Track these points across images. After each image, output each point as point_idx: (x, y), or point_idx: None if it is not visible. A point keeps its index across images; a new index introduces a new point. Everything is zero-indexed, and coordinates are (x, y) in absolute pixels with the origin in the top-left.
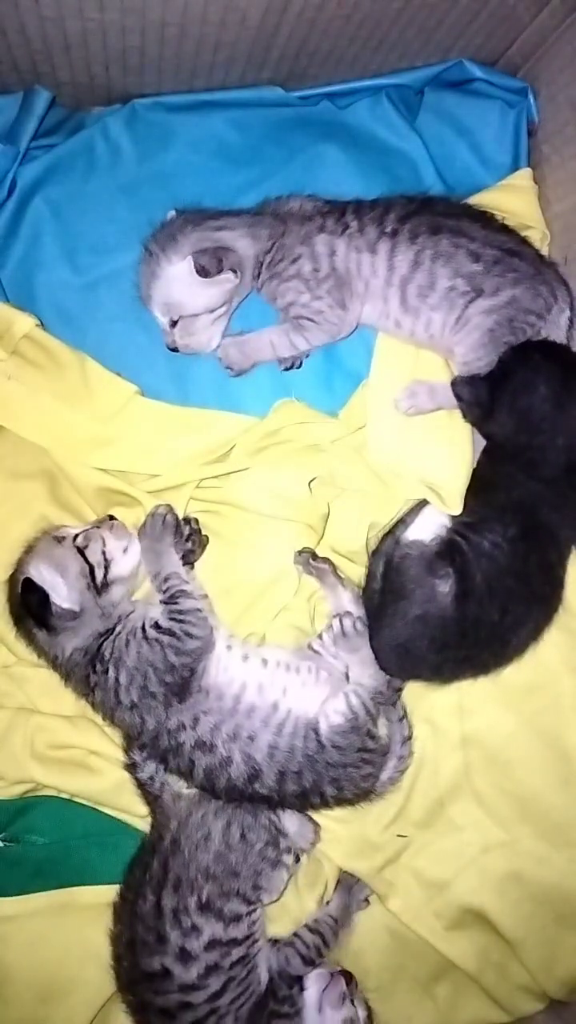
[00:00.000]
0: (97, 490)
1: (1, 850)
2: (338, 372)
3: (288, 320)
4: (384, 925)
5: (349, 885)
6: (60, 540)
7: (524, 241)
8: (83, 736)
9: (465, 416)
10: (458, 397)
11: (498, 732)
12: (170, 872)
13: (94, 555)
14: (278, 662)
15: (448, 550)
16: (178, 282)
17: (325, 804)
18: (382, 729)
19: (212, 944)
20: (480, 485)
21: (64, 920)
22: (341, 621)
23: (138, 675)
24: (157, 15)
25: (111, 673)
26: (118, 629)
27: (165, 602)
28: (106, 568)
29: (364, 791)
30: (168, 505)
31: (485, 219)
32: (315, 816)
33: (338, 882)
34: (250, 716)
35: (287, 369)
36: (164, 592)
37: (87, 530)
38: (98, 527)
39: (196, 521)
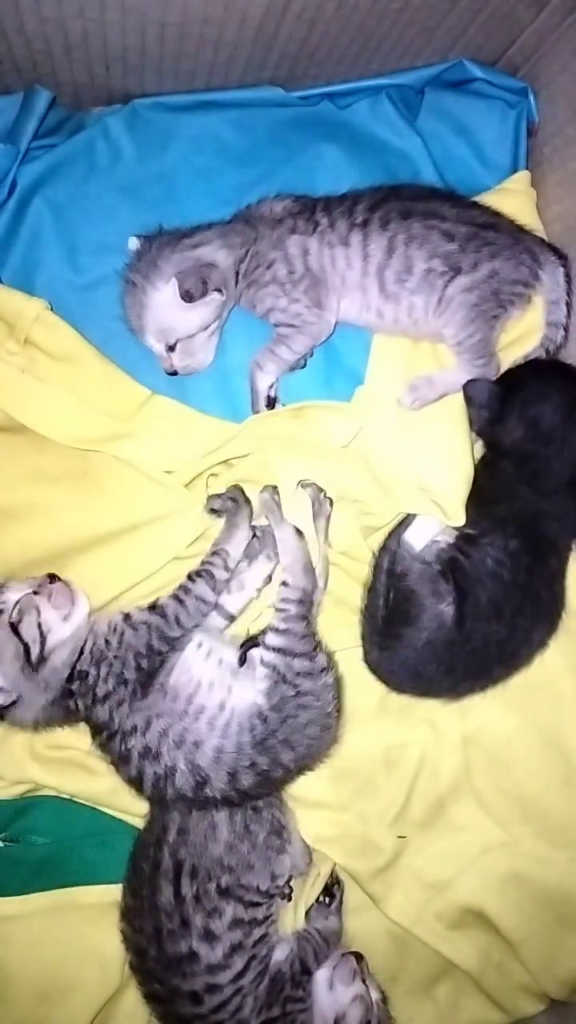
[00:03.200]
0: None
1: (1, 850)
2: (338, 372)
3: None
4: (384, 928)
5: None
6: None
7: (497, 214)
8: (82, 738)
9: (471, 420)
10: (468, 399)
11: (498, 732)
12: (184, 861)
13: (28, 631)
14: (228, 664)
15: (451, 569)
16: (168, 307)
17: (288, 773)
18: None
19: (235, 923)
20: (479, 496)
21: (64, 920)
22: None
23: (117, 663)
24: (157, 15)
25: (93, 672)
26: (88, 645)
27: (194, 570)
28: (42, 642)
29: (318, 741)
30: (237, 486)
31: (455, 198)
32: (317, 813)
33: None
34: (198, 718)
35: (291, 369)
36: (202, 563)
37: (22, 600)
38: (37, 592)
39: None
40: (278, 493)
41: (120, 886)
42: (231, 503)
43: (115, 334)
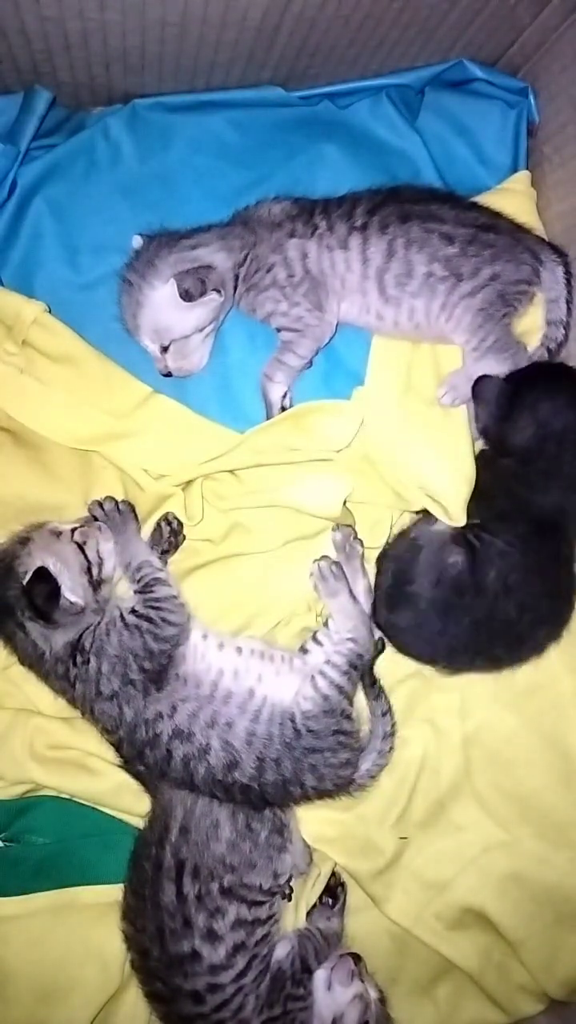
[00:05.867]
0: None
1: (1, 850)
2: (338, 373)
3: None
4: (384, 928)
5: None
6: (58, 535)
7: (497, 214)
8: (81, 738)
9: (477, 417)
10: (475, 395)
11: (499, 732)
12: (186, 861)
13: (91, 552)
14: (252, 650)
15: (462, 537)
16: (165, 307)
17: (306, 796)
18: (364, 715)
19: (238, 924)
20: (479, 495)
21: (65, 920)
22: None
23: (119, 663)
24: (157, 15)
25: (93, 663)
26: (97, 620)
27: (140, 591)
28: (100, 566)
29: (344, 780)
30: (111, 497)
31: (453, 200)
32: (318, 813)
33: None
34: (227, 703)
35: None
36: (138, 582)
37: (82, 527)
38: (87, 526)
39: (177, 521)
40: (336, 565)
41: (120, 886)
42: (116, 513)
43: (115, 334)
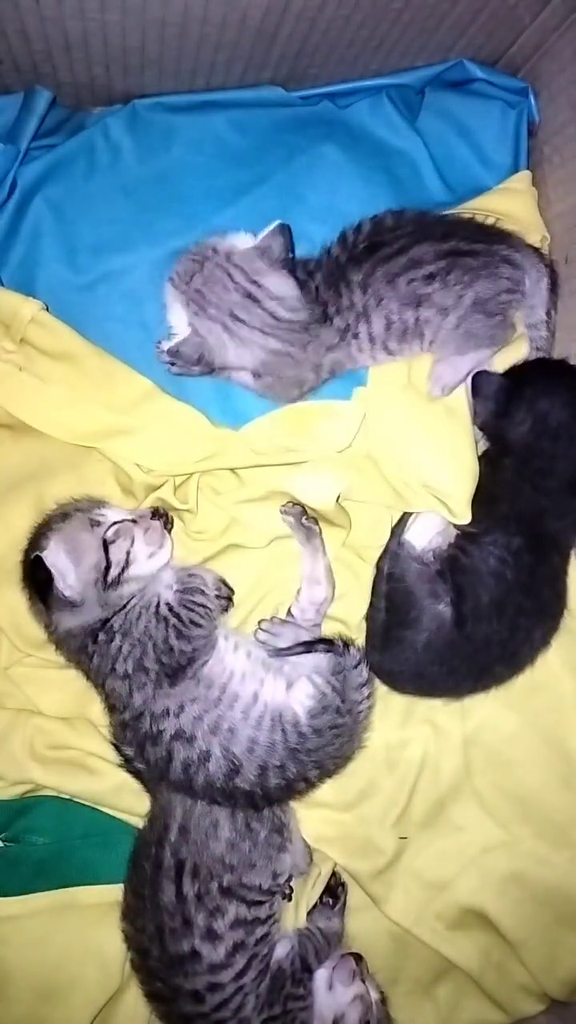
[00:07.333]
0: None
1: (1, 850)
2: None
3: None
4: (384, 928)
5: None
6: (93, 526)
7: (476, 229)
8: (82, 738)
9: (476, 412)
10: (475, 390)
11: (499, 732)
12: (185, 860)
13: (117, 553)
14: (257, 657)
15: (450, 568)
16: None
17: (311, 786)
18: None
19: (237, 923)
20: (480, 494)
21: (65, 920)
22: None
23: (138, 647)
24: (158, 15)
25: (116, 642)
26: (132, 604)
27: (180, 591)
28: (124, 567)
29: (345, 758)
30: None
31: (432, 234)
32: (318, 813)
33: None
34: (232, 707)
35: None
36: (182, 582)
37: (121, 524)
38: (135, 522)
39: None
40: (307, 516)
41: (120, 886)
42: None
43: (115, 334)
